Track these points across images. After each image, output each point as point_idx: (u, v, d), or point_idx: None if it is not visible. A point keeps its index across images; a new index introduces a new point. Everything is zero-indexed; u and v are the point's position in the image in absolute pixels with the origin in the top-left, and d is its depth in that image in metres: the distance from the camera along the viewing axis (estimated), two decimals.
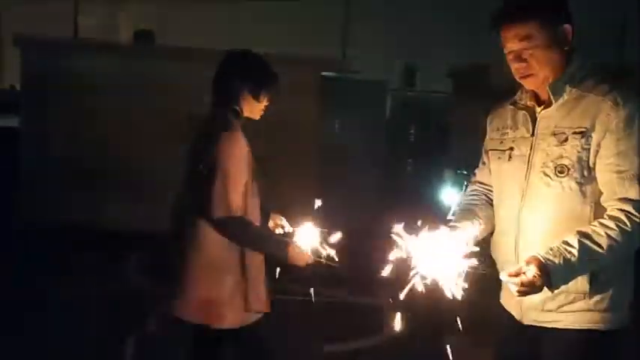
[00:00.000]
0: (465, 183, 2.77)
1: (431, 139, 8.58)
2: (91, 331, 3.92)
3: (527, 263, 1.66)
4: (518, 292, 1.66)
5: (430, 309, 2.60)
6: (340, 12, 7.45)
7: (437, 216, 1.98)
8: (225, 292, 2.32)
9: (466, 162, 4.54)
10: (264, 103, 2.50)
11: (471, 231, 1.90)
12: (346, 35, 7.37)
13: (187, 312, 2.35)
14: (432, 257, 1.74)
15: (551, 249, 1.68)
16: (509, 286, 1.68)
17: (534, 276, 1.63)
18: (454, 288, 1.70)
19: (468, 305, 2.65)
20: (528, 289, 1.64)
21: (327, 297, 4.83)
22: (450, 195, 4.01)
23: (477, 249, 1.81)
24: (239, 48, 2.56)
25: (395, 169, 8.48)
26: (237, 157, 2.30)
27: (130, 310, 4.23)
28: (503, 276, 1.69)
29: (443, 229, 1.81)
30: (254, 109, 2.46)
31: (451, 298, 1.71)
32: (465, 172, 4.04)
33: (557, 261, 1.65)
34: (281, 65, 6.52)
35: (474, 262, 1.76)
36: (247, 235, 2.35)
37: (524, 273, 1.65)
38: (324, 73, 6.79)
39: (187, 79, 6.39)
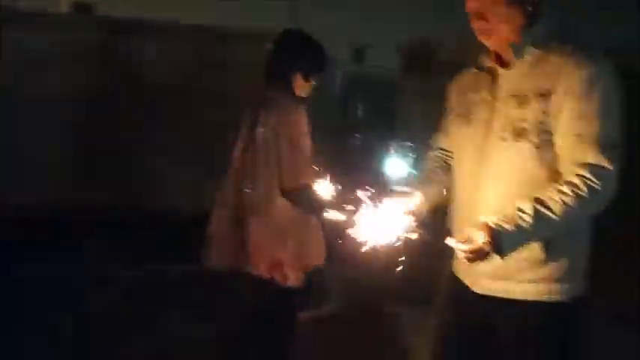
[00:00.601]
0: (414, 155, 2.80)
1: (379, 114, 8.63)
2: None
3: (478, 229, 1.61)
4: (466, 258, 1.62)
5: (375, 279, 2.62)
6: None
7: (385, 188, 1.93)
8: (291, 254, 2.47)
9: (414, 135, 4.58)
10: (314, 82, 2.61)
11: (416, 198, 1.85)
12: (294, 11, 7.27)
13: (259, 269, 2.48)
14: (373, 225, 1.70)
15: (504, 215, 1.62)
16: (459, 253, 1.64)
17: (484, 242, 1.58)
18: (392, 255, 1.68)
19: (420, 273, 2.69)
20: (476, 255, 1.60)
21: None
22: (397, 168, 4.06)
23: (419, 216, 1.80)
24: (289, 27, 2.66)
25: (344, 144, 8.49)
26: (305, 132, 2.45)
27: None
28: (449, 241, 1.64)
29: (387, 198, 1.77)
30: (304, 88, 2.58)
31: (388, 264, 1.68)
32: (412, 145, 4.11)
33: (508, 227, 1.59)
34: (227, 40, 6.46)
35: (413, 229, 1.73)
36: (314, 204, 2.46)
37: (473, 239, 1.60)
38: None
39: (131, 53, 6.24)
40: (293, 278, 2.51)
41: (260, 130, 2.43)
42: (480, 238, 1.59)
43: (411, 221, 1.77)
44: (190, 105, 6.21)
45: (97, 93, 5.99)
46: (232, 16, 7.21)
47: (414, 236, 1.71)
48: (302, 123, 2.44)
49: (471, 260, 1.63)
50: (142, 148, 6.10)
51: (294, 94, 2.51)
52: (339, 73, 8.66)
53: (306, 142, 2.46)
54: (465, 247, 1.61)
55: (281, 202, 2.45)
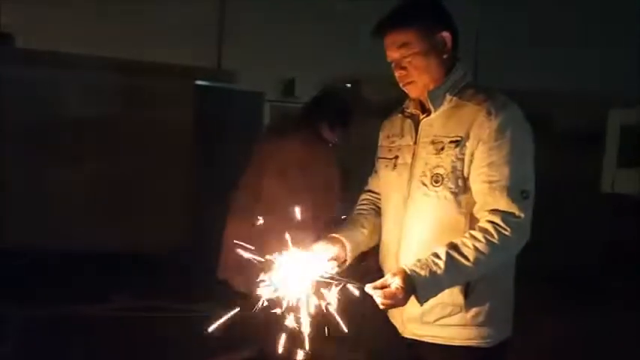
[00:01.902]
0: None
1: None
2: None
3: (394, 275, 1.61)
4: (382, 304, 1.61)
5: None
6: (215, 22, 7.33)
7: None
8: None
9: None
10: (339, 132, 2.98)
11: (332, 248, 1.84)
12: (221, 44, 7.26)
13: None
14: (288, 279, 1.66)
15: (419, 260, 1.64)
16: (375, 299, 1.62)
17: (397, 288, 1.58)
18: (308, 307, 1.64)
19: (355, 317, 2.68)
20: (391, 301, 1.60)
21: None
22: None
23: (334, 265, 1.78)
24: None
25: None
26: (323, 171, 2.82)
27: None
28: (367, 288, 1.63)
29: (310, 244, 1.76)
30: (330, 136, 2.94)
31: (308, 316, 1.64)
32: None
33: (423, 273, 1.60)
34: (153, 74, 6.41)
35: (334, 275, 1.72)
36: None
37: (389, 285, 1.60)
38: (198, 82, 6.65)
39: (48, 85, 6.06)
40: None
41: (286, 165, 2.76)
42: (394, 284, 1.60)
43: (332, 267, 1.77)
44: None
45: None
46: (160, 51, 7.11)
47: (334, 282, 1.69)
48: (322, 162, 2.76)
49: (386, 306, 1.63)
50: None
51: (321, 137, 2.89)
52: (267, 105, 8.71)
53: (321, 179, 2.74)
54: (379, 292, 1.60)
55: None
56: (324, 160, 2.82)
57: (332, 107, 2.99)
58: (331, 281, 1.70)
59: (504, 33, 9.06)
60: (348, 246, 1.89)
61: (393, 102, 2.03)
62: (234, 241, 1.79)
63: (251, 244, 1.77)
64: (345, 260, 1.89)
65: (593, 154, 7.15)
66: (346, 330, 1.71)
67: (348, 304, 1.69)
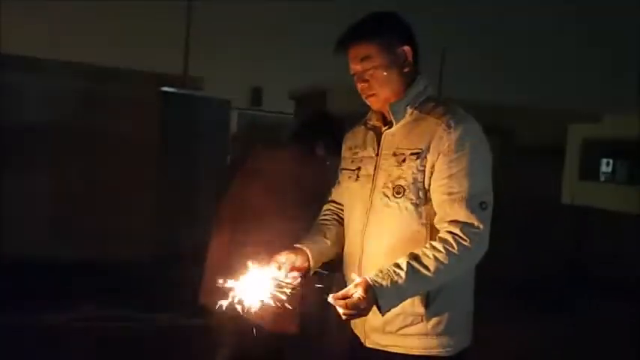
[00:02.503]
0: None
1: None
2: None
3: (356, 285, 1.62)
4: (344, 314, 1.62)
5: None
6: (182, 29, 7.30)
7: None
8: None
9: None
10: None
11: (295, 258, 1.85)
12: (188, 51, 7.23)
13: None
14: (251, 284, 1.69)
15: (380, 271, 1.65)
16: (337, 309, 1.63)
17: (359, 298, 1.59)
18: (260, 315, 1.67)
19: (317, 327, 2.69)
20: (354, 311, 1.60)
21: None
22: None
23: (304, 272, 1.81)
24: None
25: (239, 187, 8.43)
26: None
27: None
28: (330, 298, 1.64)
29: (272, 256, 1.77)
30: (322, 154, 2.94)
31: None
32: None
33: (384, 283, 1.62)
34: (118, 80, 6.33)
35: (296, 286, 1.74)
36: None
37: (351, 295, 1.61)
38: (163, 89, 6.60)
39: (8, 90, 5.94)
40: None
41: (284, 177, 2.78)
42: (357, 294, 1.61)
43: (296, 277, 1.78)
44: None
45: None
46: (126, 58, 7.05)
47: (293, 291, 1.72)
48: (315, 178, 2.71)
49: (348, 316, 1.63)
50: None
51: (315, 155, 2.91)
52: (234, 113, 8.70)
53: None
54: (342, 302, 1.61)
55: None
56: (317, 176, 2.84)
57: (330, 128, 3.01)
58: (292, 292, 1.72)
59: (470, 48, 9.24)
60: (311, 256, 1.90)
61: (359, 113, 2.05)
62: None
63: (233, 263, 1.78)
64: (309, 270, 1.89)
65: (556, 167, 7.32)
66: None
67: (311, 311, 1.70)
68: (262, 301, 1.70)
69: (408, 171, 1.77)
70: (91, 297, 5.00)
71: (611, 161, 11.72)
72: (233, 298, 1.68)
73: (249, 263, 1.73)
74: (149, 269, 5.67)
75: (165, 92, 6.68)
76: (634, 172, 9.00)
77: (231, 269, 1.73)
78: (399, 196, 1.78)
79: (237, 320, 2.29)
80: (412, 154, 1.78)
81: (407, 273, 1.64)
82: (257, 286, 1.69)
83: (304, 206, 2.46)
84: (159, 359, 4.05)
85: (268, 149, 3.10)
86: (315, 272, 2.11)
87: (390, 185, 1.80)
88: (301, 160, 2.83)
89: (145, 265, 5.77)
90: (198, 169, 6.96)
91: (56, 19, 7.32)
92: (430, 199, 1.76)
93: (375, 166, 1.86)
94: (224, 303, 1.68)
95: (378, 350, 1.86)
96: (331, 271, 2.24)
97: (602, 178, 11.76)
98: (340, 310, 1.62)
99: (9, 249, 5.54)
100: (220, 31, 8.56)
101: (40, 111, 6.01)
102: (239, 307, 1.68)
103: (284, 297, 1.71)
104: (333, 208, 2.11)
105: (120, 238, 6.11)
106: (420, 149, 1.77)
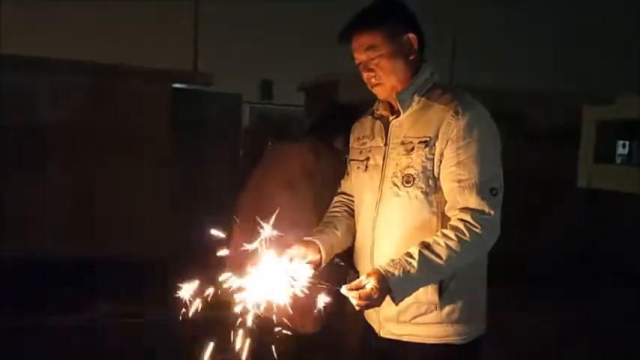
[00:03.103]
0: None
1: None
2: None
3: (368, 276, 1.63)
4: (358, 305, 1.62)
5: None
6: (191, 24, 7.30)
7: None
8: None
9: None
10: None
11: (306, 251, 1.84)
12: (197, 47, 7.22)
13: None
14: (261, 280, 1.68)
15: (392, 260, 1.66)
16: (351, 300, 1.63)
17: (372, 289, 1.59)
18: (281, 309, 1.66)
19: (333, 319, 2.69)
20: (367, 302, 1.61)
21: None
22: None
23: (309, 268, 1.79)
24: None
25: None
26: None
27: None
28: (343, 289, 1.64)
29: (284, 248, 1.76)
30: (341, 148, 2.85)
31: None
32: None
33: (396, 273, 1.62)
34: (128, 77, 6.34)
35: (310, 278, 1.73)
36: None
37: (364, 286, 1.61)
38: (175, 85, 6.62)
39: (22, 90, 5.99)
40: None
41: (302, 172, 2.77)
42: (369, 285, 1.61)
43: (308, 270, 1.77)
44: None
45: None
46: (136, 55, 7.07)
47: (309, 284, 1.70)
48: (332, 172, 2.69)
49: (362, 307, 1.64)
50: None
51: (333, 149, 2.86)
52: (245, 107, 8.70)
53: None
54: (355, 293, 1.62)
55: None
56: (334, 170, 2.84)
57: (349, 121, 3.03)
58: (306, 284, 1.71)
59: (481, 33, 9.16)
60: (323, 248, 1.90)
61: (370, 103, 2.04)
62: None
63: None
64: (321, 263, 1.89)
65: (570, 151, 7.24)
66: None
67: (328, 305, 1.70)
68: (278, 297, 1.69)
69: (417, 159, 1.77)
70: (105, 295, 5.03)
71: (627, 143, 11.57)
72: (246, 297, 1.67)
73: (258, 261, 1.71)
74: (162, 266, 5.69)
75: (176, 89, 6.70)
76: None
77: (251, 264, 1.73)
78: (409, 185, 1.78)
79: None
80: (420, 142, 1.77)
81: (419, 262, 1.64)
82: (271, 281, 1.69)
83: (321, 201, 2.47)
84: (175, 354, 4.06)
85: (285, 143, 3.06)
86: (332, 262, 2.13)
87: (399, 174, 1.80)
88: (319, 154, 2.81)
89: (158, 263, 5.80)
90: (211, 165, 6.98)
91: (61, 19, 7.35)
92: (440, 187, 1.76)
93: (384, 155, 1.86)
94: (240, 305, 1.67)
95: (393, 340, 1.87)
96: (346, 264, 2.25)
97: (618, 161, 11.62)
98: (353, 301, 1.62)
99: (19, 249, 5.60)
100: (228, 25, 8.55)
101: (51, 110, 6.05)
102: (255, 306, 1.67)
103: (300, 292, 1.71)
104: (343, 199, 2.11)
105: (132, 236, 6.15)
106: (429, 137, 1.76)
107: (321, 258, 1.89)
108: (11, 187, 5.85)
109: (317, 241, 1.90)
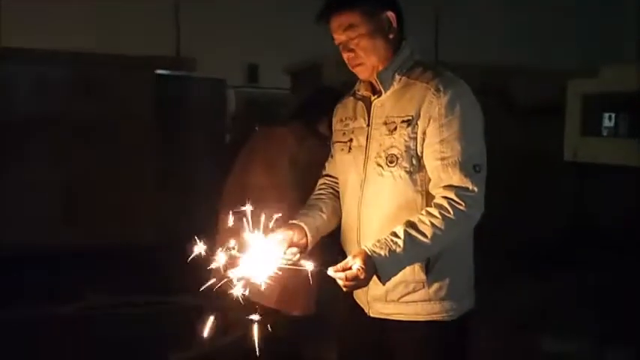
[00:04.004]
0: None
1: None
2: None
3: (354, 257, 1.63)
4: (345, 286, 1.63)
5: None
6: (172, 9, 7.22)
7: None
8: None
9: None
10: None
11: (292, 234, 1.84)
12: (179, 32, 7.16)
13: None
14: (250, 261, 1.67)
15: (378, 241, 1.66)
16: (338, 281, 1.64)
17: (358, 269, 1.59)
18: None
19: (320, 300, 2.70)
20: (354, 283, 1.61)
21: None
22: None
23: (296, 252, 1.79)
24: None
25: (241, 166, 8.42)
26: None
27: None
28: (329, 271, 1.64)
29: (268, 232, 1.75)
30: (325, 132, 2.80)
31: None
32: None
33: (382, 253, 1.62)
34: (111, 65, 6.30)
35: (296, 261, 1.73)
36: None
37: (350, 267, 1.61)
38: (157, 72, 6.57)
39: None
40: None
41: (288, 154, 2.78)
42: (355, 265, 1.61)
43: (294, 253, 1.78)
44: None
45: None
46: (117, 42, 6.98)
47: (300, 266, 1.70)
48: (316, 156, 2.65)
49: (349, 288, 1.64)
50: None
51: (318, 133, 2.82)
52: (230, 91, 8.65)
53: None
54: (341, 275, 1.62)
55: None
56: (319, 155, 2.82)
57: (333, 104, 3.00)
58: (293, 267, 1.71)
59: (464, 9, 9.12)
60: (308, 231, 1.90)
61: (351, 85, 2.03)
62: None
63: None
64: (307, 246, 1.89)
65: (555, 125, 7.27)
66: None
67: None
68: (262, 279, 1.68)
69: (399, 139, 1.76)
70: (96, 285, 5.03)
71: (613, 115, 11.65)
72: (235, 280, 1.66)
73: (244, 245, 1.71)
74: (149, 254, 5.69)
75: (159, 75, 6.65)
76: (636, 125, 8.94)
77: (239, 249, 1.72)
78: (393, 165, 1.77)
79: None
80: (403, 121, 1.77)
81: (404, 241, 1.65)
82: (259, 265, 1.68)
83: (306, 184, 2.46)
84: (175, 340, 4.06)
85: (270, 128, 3.04)
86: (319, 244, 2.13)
87: (382, 155, 1.79)
88: (304, 139, 2.79)
89: (145, 250, 5.79)
90: (197, 151, 6.95)
91: (46, 8, 7.23)
92: (424, 166, 1.76)
93: (367, 136, 1.85)
94: (230, 289, 1.67)
95: (382, 319, 1.88)
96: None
97: (605, 133, 11.69)
98: (340, 283, 1.63)
99: (13, 241, 5.58)
100: (211, 9, 8.45)
101: (34, 101, 6.01)
102: (243, 290, 1.67)
103: (291, 276, 1.70)
104: (328, 182, 2.11)
105: (120, 223, 6.14)
106: (411, 116, 1.75)
107: (307, 241, 1.89)
108: None
109: (302, 224, 1.90)
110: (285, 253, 1.78)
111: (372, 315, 1.90)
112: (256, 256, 1.69)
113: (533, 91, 6.89)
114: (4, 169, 5.94)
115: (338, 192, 2.04)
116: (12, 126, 5.96)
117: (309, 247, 1.90)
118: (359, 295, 1.94)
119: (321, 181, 2.13)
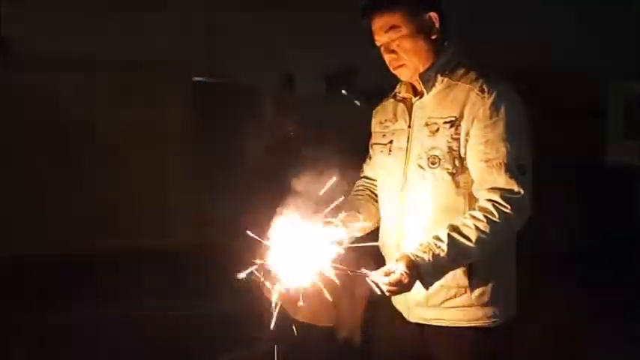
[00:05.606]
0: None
1: (308, 139, 8.69)
2: None
3: (397, 261, 1.62)
4: (389, 291, 1.61)
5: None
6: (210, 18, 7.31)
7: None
8: None
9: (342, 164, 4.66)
10: None
11: (341, 230, 1.82)
12: (215, 39, 7.24)
13: None
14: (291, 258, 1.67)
15: (421, 245, 1.63)
16: (381, 286, 1.62)
17: (402, 274, 1.58)
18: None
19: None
20: (397, 288, 1.60)
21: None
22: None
23: (338, 250, 1.75)
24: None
25: (277, 169, 8.47)
26: None
27: None
28: (372, 275, 1.62)
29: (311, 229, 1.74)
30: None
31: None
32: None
33: (426, 257, 1.60)
34: (149, 74, 6.39)
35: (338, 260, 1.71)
36: None
37: (393, 272, 1.60)
38: (195, 79, 6.67)
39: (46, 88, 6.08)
40: None
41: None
42: (399, 270, 1.59)
43: (336, 252, 1.75)
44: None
45: None
46: (154, 49, 7.07)
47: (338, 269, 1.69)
48: None
49: (392, 293, 1.63)
50: None
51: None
52: (266, 97, 8.72)
53: None
54: (385, 280, 1.60)
55: None
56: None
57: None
58: (335, 270, 1.69)
59: (501, 11, 8.99)
60: (348, 230, 1.87)
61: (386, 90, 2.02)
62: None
63: None
64: (345, 244, 1.85)
65: (596, 128, 7.11)
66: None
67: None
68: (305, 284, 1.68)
69: (442, 140, 1.74)
70: (139, 287, 5.08)
71: None
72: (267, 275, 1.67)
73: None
74: (190, 258, 5.74)
75: (197, 82, 6.74)
76: None
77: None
78: (435, 166, 1.75)
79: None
80: (445, 122, 1.74)
81: (448, 245, 1.62)
82: (305, 267, 1.67)
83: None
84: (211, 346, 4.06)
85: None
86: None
87: (424, 156, 1.77)
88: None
89: (187, 254, 5.85)
90: (235, 156, 7.01)
91: (83, 14, 7.36)
92: (467, 168, 1.73)
93: (408, 138, 1.83)
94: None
95: (422, 324, 1.85)
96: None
97: None
98: (384, 288, 1.61)
99: (46, 245, 5.70)
100: (244, 17, 8.51)
101: (74, 107, 6.14)
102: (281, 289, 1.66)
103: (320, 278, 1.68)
104: (365, 183, 2.09)
105: (161, 228, 6.23)
106: (454, 117, 1.73)
107: (347, 239, 1.85)
108: (39, 184, 5.93)
109: (343, 222, 1.86)
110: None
111: (411, 320, 1.87)
112: (300, 255, 1.68)
113: (574, 92, 6.74)
114: (52, 171, 6.08)
115: (375, 195, 2.02)
116: (58, 129, 6.11)
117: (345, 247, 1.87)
118: (398, 300, 1.91)
119: (358, 182, 2.11)
